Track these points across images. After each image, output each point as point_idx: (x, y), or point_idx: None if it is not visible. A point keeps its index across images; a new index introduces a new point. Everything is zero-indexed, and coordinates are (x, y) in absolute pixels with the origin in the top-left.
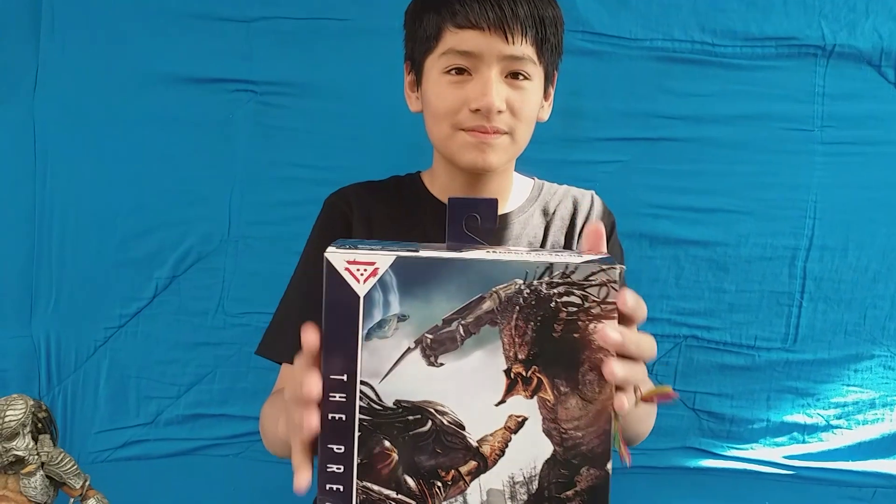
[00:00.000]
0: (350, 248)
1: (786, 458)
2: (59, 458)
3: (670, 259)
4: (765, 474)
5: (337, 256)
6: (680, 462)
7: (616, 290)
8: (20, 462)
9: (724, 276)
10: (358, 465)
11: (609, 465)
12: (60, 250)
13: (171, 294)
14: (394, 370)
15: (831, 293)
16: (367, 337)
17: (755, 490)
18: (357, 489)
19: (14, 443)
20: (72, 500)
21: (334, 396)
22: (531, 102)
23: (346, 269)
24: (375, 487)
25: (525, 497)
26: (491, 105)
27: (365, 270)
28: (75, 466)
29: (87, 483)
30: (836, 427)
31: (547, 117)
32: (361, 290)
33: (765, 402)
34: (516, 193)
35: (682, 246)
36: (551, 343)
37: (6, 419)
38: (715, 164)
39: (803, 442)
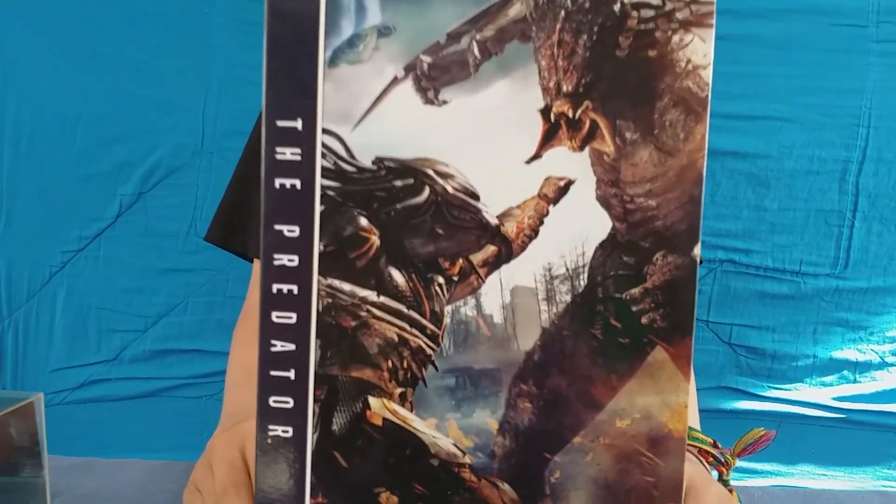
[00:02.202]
0: None
1: (835, 399)
2: None
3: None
4: (811, 418)
5: None
6: (714, 404)
7: None
8: None
9: (765, 193)
10: (320, 254)
11: (697, 250)
12: (12, 164)
13: (138, 213)
14: (373, 112)
15: (887, 212)
16: (333, 61)
17: (800, 436)
18: (319, 290)
19: None
20: None
21: (283, 153)
22: None
23: None
24: (346, 287)
25: (568, 298)
26: None
27: None
28: None
29: None
30: (892, 364)
31: None
32: None
33: (811, 335)
34: None
35: (718, 158)
36: (613, 66)
37: None
38: (755, 66)
39: (854, 381)
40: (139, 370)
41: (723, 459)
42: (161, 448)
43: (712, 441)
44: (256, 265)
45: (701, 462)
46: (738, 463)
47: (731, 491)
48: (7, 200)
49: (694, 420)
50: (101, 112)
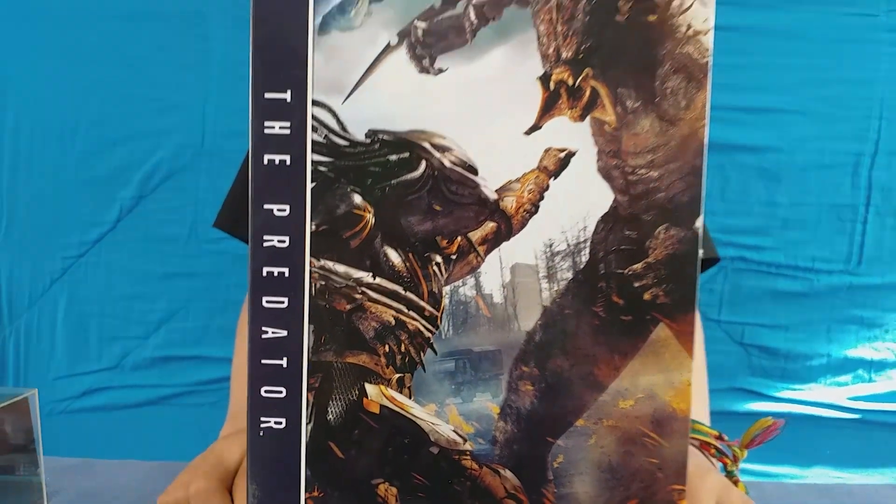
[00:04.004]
0: None
1: (850, 399)
2: None
3: (714, 168)
4: (825, 419)
5: None
6: (726, 406)
7: None
8: None
9: (776, 188)
10: (312, 234)
11: (699, 222)
12: (12, 169)
13: (138, 218)
14: (366, 82)
15: None
16: (323, 28)
17: (814, 437)
18: (312, 272)
19: None
20: None
21: (272, 127)
22: None
23: None
24: (340, 268)
25: (570, 274)
26: None
27: None
28: None
29: None
30: None
31: None
32: None
33: (825, 334)
34: None
35: (728, 152)
36: (614, 31)
37: None
38: (765, 57)
39: (870, 381)
40: (141, 378)
41: (729, 452)
42: (162, 455)
43: (717, 433)
44: None
45: (704, 454)
46: (753, 466)
47: (736, 483)
48: (7, 206)
49: (704, 417)
50: (99, 114)
